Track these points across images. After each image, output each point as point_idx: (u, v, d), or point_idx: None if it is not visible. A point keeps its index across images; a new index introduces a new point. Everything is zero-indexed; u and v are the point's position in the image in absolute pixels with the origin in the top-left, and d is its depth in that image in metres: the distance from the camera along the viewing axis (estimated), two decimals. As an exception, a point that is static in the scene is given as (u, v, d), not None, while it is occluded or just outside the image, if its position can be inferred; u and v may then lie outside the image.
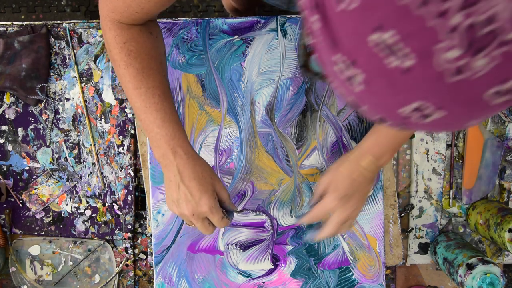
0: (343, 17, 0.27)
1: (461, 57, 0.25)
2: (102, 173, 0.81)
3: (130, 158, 0.81)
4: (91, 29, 0.80)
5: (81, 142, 0.81)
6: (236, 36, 0.78)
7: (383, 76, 0.28)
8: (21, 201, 0.82)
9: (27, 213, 0.82)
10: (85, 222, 0.82)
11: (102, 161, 0.81)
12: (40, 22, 0.80)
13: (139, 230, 0.84)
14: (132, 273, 0.84)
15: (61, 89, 0.81)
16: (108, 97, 0.81)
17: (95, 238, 0.82)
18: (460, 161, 0.83)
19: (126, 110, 0.81)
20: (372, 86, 0.29)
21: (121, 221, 0.82)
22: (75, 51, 0.80)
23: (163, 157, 0.58)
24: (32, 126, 0.81)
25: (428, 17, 0.24)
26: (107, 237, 0.82)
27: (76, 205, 0.82)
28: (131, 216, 0.82)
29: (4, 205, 0.82)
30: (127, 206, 0.82)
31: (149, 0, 0.53)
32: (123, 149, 0.81)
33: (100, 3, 0.57)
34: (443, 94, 0.27)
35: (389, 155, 0.65)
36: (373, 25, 0.26)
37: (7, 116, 0.81)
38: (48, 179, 0.82)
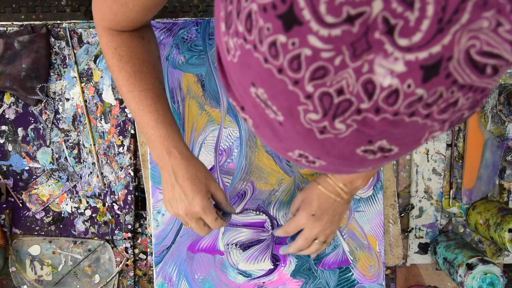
0: (231, 67, 0.28)
1: (321, 120, 0.26)
2: (102, 173, 0.81)
3: (130, 158, 0.81)
4: (91, 29, 0.80)
5: (81, 142, 0.81)
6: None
7: (267, 124, 0.29)
8: (21, 201, 0.82)
9: (27, 213, 0.82)
10: (85, 222, 0.82)
11: (102, 161, 0.81)
12: (40, 22, 0.80)
13: (139, 230, 0.84)
14: (132, 273, 0.84)
15: (61, 89, 0.81)
16: (108, 97, 0.81)
17: (95, 238, 0.82)
18: (460, 161, 0.83)
19: (126, 110, 0.81)
20: (260, 130, 0.30)
21: (121, 221, 0.82)
22: (75, 51, 0.80)
23: (158, 157, 0.59)
24: (32, 126, 0.81)
25: (288, 82, 0.25)
26: (107, 237, 0.82)
27: (76, 205, 0.82)
28: (131, 216, 0.82)
29: (4, 205, 0.82)
30: (127, 206, 0.82)
31: (132, 10, 0.55)
32: (123, 149, 0.81)
33: (93, 11, 0.59)
34: (316, 148, 0.28)
35: (361, 180, 0.66)
36: (249, 80, 0.27)
37: (7, 116, 0.81)
38: (48, 179, 0.82)
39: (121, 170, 0.81)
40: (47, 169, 0.82)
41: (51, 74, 0.81)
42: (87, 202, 0.82)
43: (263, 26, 0.24)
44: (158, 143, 0.58)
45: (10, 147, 0.81)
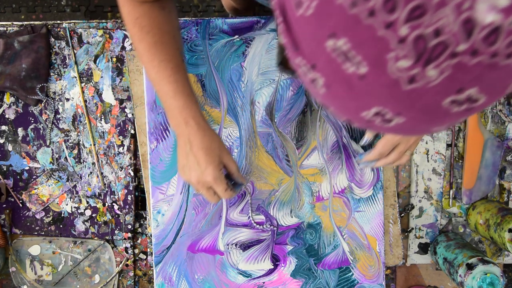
0: (302, 22, 0.27)
1: (412, 67, 0.24)
2: (102, 173, 0.81)
3: (130, 158, 0.81)
4: (91, 29, 0.80)
5: (81, 142, 0.81)
6: (236, 36, 0.78)
7: (342, 81, 0.27)
8: (21, 201, 0.82)
9: (27, 213, 0.82)
10: (85, 222, 0.82)
11: (102, 161, 0.81)
12: (40, 22, 0.80)
13: (139, 230, 0.84)
14: (132, 273, 0.84)
15: (61, 89, 0.81)
16: (108, 97, 0.81)
17: (95, 238, 0.82)
18: (460, 161, 0.83)
19: (126, 110, 0.81)
20: (333, 90, 0.29)
21: (121, 221, 0.82)
22: (75, 51, 0.80)
23: (176, 126, 0.61)
24: (32, 126, 0.81)
25: (378, 27, 0.24)
26: (107, 237, 0.82)
27: (76, 205, 0.82)
28: (131, 216, 0.82)
29: (4, 205, 0.82)
30: (127, 206, 0.82)
31: None
32: (123, 149, 0.81)
33: None
34: (400, 101, 0.27)
35: None
36: (328, 32, 0.26)
37: (7, 116, 0.81)
38: (48, 179, 0.82)
39: (121, 170, 0.81)
40: (47, 169, 0.82)
41: (51, 74, 0.81)
42: (87, 202, 0.82)
43: None
44: (177, 113, 0.60)
45: (10, 147, 0.81)
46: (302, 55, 0.29)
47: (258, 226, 0.76)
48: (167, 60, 0.59)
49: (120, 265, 0.82)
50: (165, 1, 0.62)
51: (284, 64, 0.49)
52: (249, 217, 0.79)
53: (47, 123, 0.81)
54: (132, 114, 0.80)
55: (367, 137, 0.72)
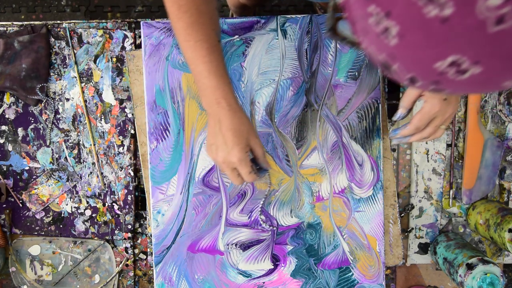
0: None
1: (503, 4, 0.23)
2: (102, 173, 0.81)
3: (130, 158, 0.81)
4: (91, 29, 0.80)
5: (81, 142, 0.81)
6: (236, 36, 0.78)
7: (420, 27, 0.26)
8: (21, 201, 0.82)
9: (27, 213, 0.82)
10: (85, 222, 0.82)
11: (102, 161, 0.81)
12: (40, 22, 0.80)
13: (139, 230, 0.84)
14: (132, 273, 0.84)
15: (61, 89, 0.81)
16: (108, 97, 0.81)
17: (95, 238, 0.82)
18: (460, 161, 0.83)
19: (126, 110, 0.81)
20: (407, 39, 0.27)
21: (121, 221, 0.82)
22: (75, 51, 0.80)
23: (208, 105, 0.62)
24: (32, 126, 0.81)
25: None
26: (107, 237, 0.82)
27: (76, 205, 0.82)
28: (131, 216, 0.82)
29: (4, 205, 0.82)
30: (127, 206, 0.82)
31: None
32: (123, 149, 0.81)
33: None
34: (483, 46, 0.25)
35: None
36: None
37: (7, 116, 0.81)
38: (48, 179, 0.82)
39: (121, 170, 0.81)
40: (47, 169, 0.82)
41: (51, 74, 0.81)
42: (87, 202, 0.82)
43: None
44: (209, 92, 0.61)
45: (10, 147, 0.81)
46: (376, 2, 0.27)
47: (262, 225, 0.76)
48: (203, 41, 0.60)
49: (120, 265, 0.83)
50: None
51: (334, 29, 0.47)
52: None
53: (47, 123, 0.81)
54: (132, 114, 0.80)
55: (401, 112, 0.69)
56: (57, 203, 0.82)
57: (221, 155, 0.62)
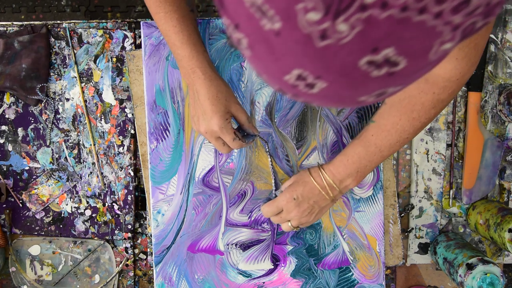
0: None
1: (322, 20, 0.23)
2: (102, 173, 0.81)
3: (130, 158, 0.81)
4: (91, 29, 0.80)
5: (81, 142, 0.81)
6: (236, 36, 0.78)
7: (262, 40, 0.26)
8: (21, 201, 0.82)
9: (27, 213, 0.82)
10: (85, 222, 0.82)
11: (102, 161, 0.81)
12: (40, 22, 0.80)
13: (139, 230, 0.84)
14: (132, 273, 0.84)
15: (61, 89, 0.81)
16: (108, 97, 0.81)
17: (95, 238, 0.82)
18: (460, 161, 0.83)
19: (126, 110, 0.81)
20: (256, 51, 0.28)
21: (121, 221, 0.82)
22: (75, 51, 0.80)
23: (185, 76, 0.63)
24: (32, 126, 0.81)
25: None
26: (107, 237, 0.82)
27: (76, 205, 0.82)
28: (131, 216, 0.82)
29: (4, 205, 0.82)
30: (127, 206, 0.82)
31: None
32: (123, 149, 0.81)
33: None
34: (316, 60, 0.25)
35: (351, 179, 0.66)
36: None
37: (7, 116, 0.81)
38: (48, 179, 0.82)
39: (121, 170, 0.81)
40: (47, 169, 0.82)
41: (51, 74, 0.81)
42: (87, 202, 0.82)
43: None
44: (184, 63, 0.61)
45: (10, 147, 0.81)
46: (227, 14, 0.28)
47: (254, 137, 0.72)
48: (172, 11, 0.60)
49: (120, 265, 0.83)
50: None
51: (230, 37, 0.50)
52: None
53: (47, 123, 0.81)
54: (132, 114, 0.80)
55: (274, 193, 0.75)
56: (57, 203, 0.82)
57: (203, 126, 0.62)
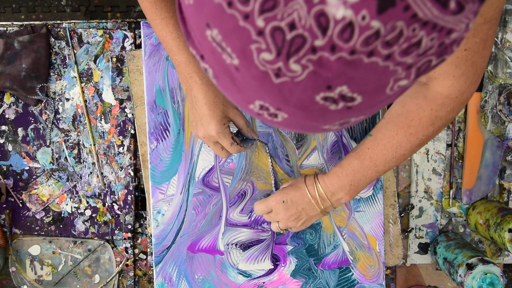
0: (188, 11, 0.27)
1: (275, 60, 0.24)
2: (102, 173, 0.81)
3: (130, 158, 0.81)
4: (91, 29, 0.80)
5: (81, 142, 0.81)
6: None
7: (225, 72, 0.27)
8: (21, 201, 0.82)
9: (27, 213, 0.82)
10: (85, 222, 0.82)
11: (102, 161, 0.81)
12: (40, 22, 0.80)
13: (139, 230, 0.84)
14: (132, 273, 0.84)
15: (61, 89, 0.81)
16: (108, 97, 0.81)
17: (95, 238, 0.82)
18: (460, 161, 0.83)
19: (126, 110, 0.81)
20: (221, 81, 0.29)
21: (121, 221, 0.82)
22: (75, 51, 0.80)
23: (183, 81, 0.63)
24: (32, 126, 0.81)
25: (238, 17, 0.24)
26: (107, 237, 0.82)
27: (76, 205, 0.82)
28: (131, 216, 0.82)
29: (4, 205, 0.82)
30: (127, 206, 0.82)
31: None
32: (123, 149, 0.81)
33: None
34: (274, 95, 0.26)
35: (344, 193, 0.64)
36: (204, 21, 0.26)
37: (7, 116, 0.81)
38: (48, 179, 0.82)
39: (121, 170, 0.81)
40: (47, 169, 0.82)
41: (51, 74, 0.81)
42: (87, 202, 0.82)
43: None
44: (181, 68, 0.61)
45: (10, 147, 0.81)
46: (193, 46, 0.29)
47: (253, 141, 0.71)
48: (168, 18, 0.60)
49: (120, 265, 0.83)
50: None
51: None
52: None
53: (47, 123, 0.81)
54: (132, 114, 0.80)
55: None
56: (57, 203, 0.82)
57: (201, 131, 0.62)
